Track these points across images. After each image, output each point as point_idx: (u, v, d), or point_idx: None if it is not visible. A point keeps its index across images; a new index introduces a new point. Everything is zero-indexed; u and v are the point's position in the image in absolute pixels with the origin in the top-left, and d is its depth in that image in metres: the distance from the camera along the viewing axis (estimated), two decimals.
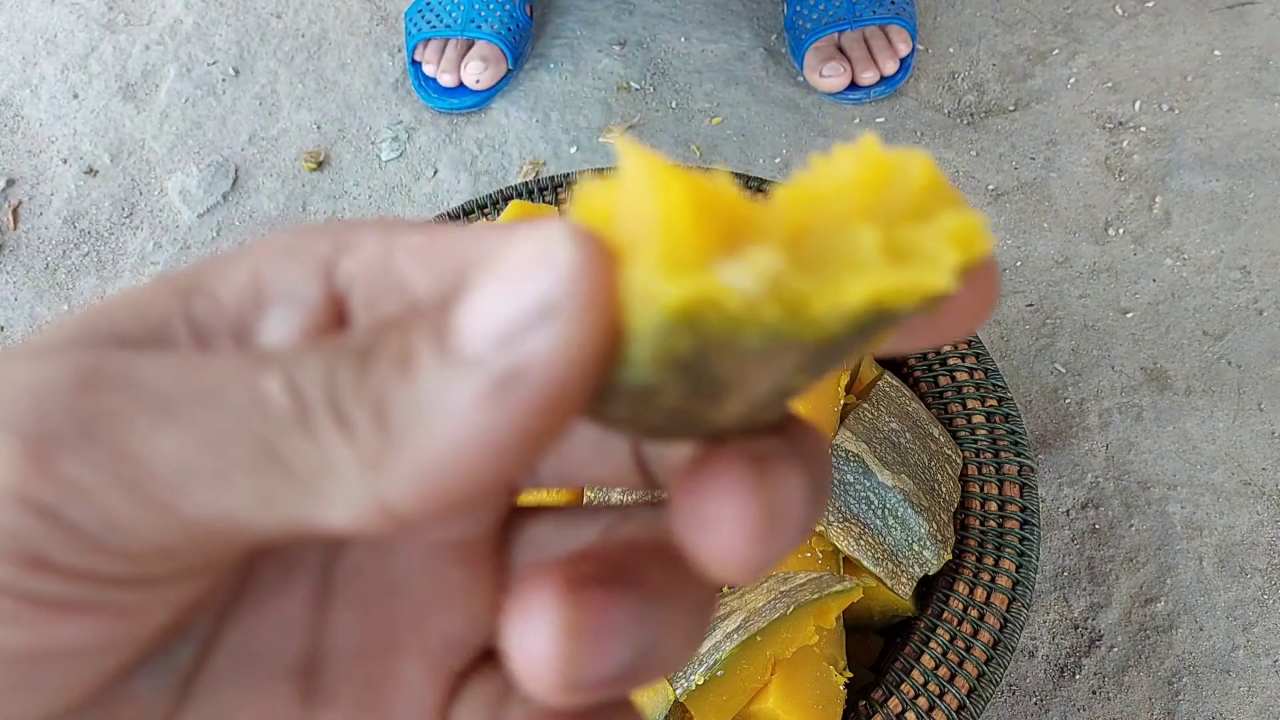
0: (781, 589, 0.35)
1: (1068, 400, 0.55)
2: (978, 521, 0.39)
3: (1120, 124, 0.66)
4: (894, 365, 0.44)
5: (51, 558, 0.08)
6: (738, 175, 0.49)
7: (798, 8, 0.68)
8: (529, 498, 0.26)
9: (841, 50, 0.66)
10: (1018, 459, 0.40)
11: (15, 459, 0.08)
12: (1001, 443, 0.41)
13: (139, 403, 0.08)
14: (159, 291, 0.10)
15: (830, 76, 0.65)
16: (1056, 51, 0.70)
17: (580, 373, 0.08)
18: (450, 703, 0.11)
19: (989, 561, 0.38)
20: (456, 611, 0.11)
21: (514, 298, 0.08)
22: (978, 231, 0.09)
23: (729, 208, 0.08)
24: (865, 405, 0.39)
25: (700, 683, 0.33)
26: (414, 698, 0.11)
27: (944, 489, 0.39)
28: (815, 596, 0.34)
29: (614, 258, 0.08)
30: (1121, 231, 0.61)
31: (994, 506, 0.39)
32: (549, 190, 0.49)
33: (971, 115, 0.67)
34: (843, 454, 0.38)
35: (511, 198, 0.49)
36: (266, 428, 0.08)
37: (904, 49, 0.66)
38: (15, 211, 0.64)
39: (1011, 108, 0.67)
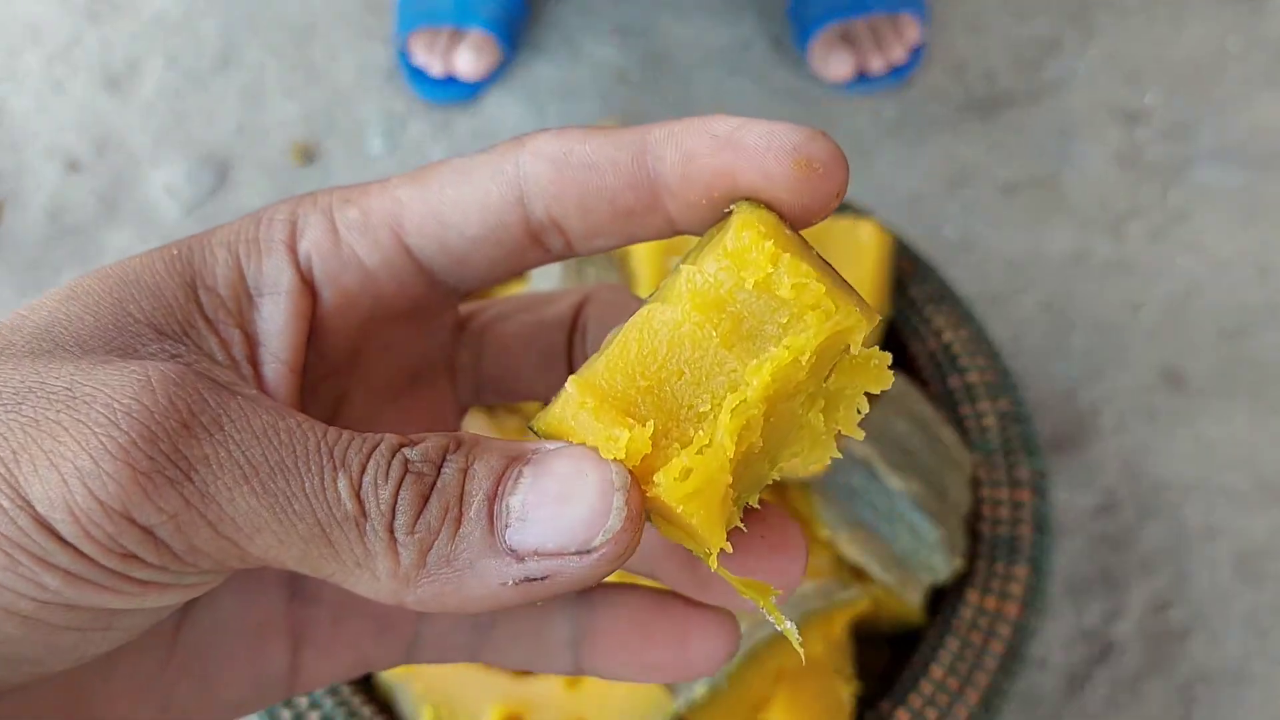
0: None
1: (1081, 401, 0.53)
2: (989, 527, 0.38)
3: (1135, 116, 0.65)
4: (904, 365, 0.43)
5: (142, 557, 0.10)
6: None
7: None
8: None
9: (849, 39, 0.64)
10: (1030, 462, 0.39)
11: (127, 485, 0.10)
12: (1014, 445, 0.40)
13: (229, 456, 0.10)
14: (166, 280, 0.12)
15: (837, 66, 0.64)
16: (1069, 41, 0.68)
17: (579, 588, 0.11)
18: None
19: (1000, 568, 0.37)
20: None
21: (562, 533, 0.11)
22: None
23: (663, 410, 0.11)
24: (874, 407, 0.38)
25: (702, 695, 0.31)
26: None
27: (954, 493, 0.38)
28: (821, 605, 0.33)
29: (645, 512, 0.11)
30: (1136, 227, 0.60)
31: (1006, 512, 0.38)
32: None
33: (982, 106, 0.65)
34: (850, 458, 0.36)
35: None
36: (329, 519, 0.11)
37: (914, 37, 0.64)
38: None
39: (1024, 99, 0.66)
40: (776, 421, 0.11)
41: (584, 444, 0.11)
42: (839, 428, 0.12)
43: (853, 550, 0.36)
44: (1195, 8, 0.69)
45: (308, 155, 0.64)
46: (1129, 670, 0.46)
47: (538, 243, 0.13)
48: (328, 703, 0.35)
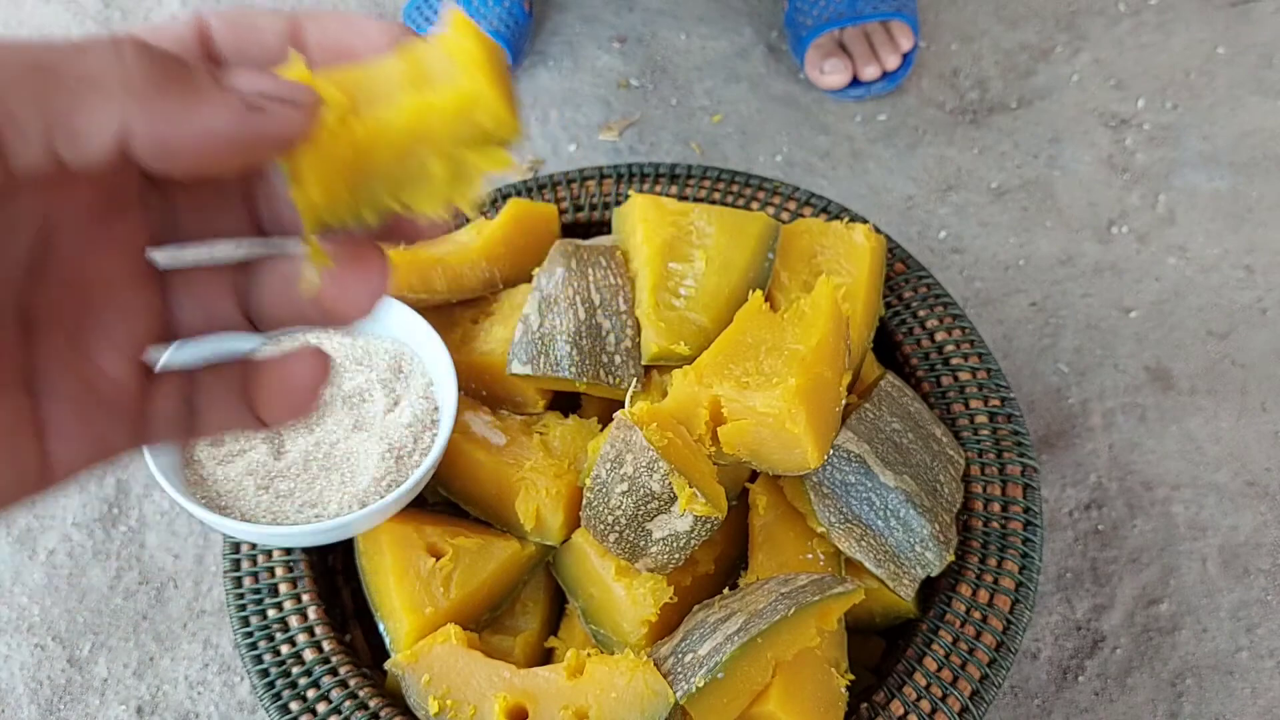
0: (783, 590, 0.34)
1: (1071, 400, 0.54)
2: (980, 523, 0.39)
3: (1124, 121, 0.66)
4: (896, 365, 0.44)
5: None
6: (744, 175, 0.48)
7: (798, 4, 0.67)
8: None
9: (843, 46, 0.65)
10: (1020, 459, 0.40)
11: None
12: (1004, 443, 0.40)
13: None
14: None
15: (831, 73, 0.65)
16: (1059, 48, 0.69)
17: (287, 137, 0.14)
18: (146, 392, 0.16)
19: (992, 563, 0.38)
20: (137, 306, 0.16)
21: (283, 86, 0.14)
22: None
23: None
24: (867, 405, 0.39)
25: (701, 685, 0.32)
26: (114, 338, 0.16)
27: (946, 490, 0.39)
28: (817, 598, 0.34)
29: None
30: (1125, 230, 0.61)
31: (997, 507, 0.39)
32: (548, 188, 0.49)
33: (974, 112, 0.67)
34: (844, 455, 0.37)
35: (510, 196, 0.48)
36: (49, 59, 0.13)
37: (906, 44, 0.65)
38: None
39: (1014, 105, 0.67)
40: (408, 160, 0.15)
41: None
42: (455, 199, 0.16)
43: (847, 545, 0.37)
44: (1183, 15, 0.70)
45: None
46: (1118, 663, 0.47)
47: None
48: (336, 694, 0.36)
